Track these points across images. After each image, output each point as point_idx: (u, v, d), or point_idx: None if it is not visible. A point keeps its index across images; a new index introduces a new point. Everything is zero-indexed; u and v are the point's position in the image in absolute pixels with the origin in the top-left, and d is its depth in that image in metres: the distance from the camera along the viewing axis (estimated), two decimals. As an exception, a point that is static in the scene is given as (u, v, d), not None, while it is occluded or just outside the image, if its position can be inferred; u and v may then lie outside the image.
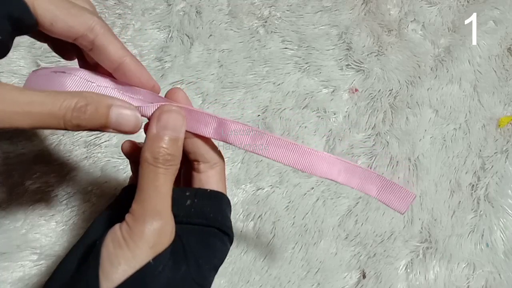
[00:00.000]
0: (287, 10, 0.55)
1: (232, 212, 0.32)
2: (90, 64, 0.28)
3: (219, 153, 0.30)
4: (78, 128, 0.24)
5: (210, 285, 0.28)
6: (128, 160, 0.33)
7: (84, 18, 0.25)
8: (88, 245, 0.27)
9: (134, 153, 0.31)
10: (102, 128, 0.25)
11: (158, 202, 0.24)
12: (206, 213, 0.28)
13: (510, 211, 0.49)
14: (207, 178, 0.29)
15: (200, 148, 0.29)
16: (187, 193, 0.28)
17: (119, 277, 0.23)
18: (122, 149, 0.31)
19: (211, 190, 0.29)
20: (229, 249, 0.30)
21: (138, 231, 0.24)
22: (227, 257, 0.46)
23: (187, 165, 0.30)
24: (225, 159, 0.31)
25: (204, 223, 0.28)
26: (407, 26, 0.55)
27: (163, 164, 0.25)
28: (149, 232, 0.24)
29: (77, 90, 0.26)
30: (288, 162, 0.27)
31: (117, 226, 0.25)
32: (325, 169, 0.28)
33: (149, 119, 0.27)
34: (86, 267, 0.24)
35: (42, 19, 0.23)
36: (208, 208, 0.28)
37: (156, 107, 0.27)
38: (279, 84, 0.52)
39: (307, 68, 0.53)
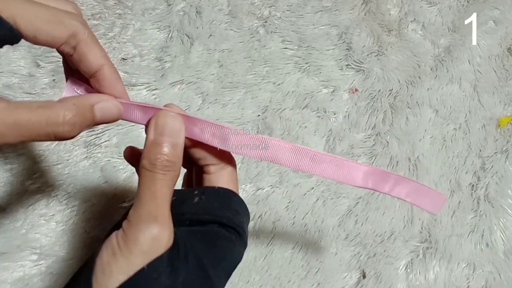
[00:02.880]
0: (287, 10, 0.55)
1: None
2: (73, 69, 0.28)
3: (229, 155, 0.29)
4: (70, 138, 0.24)
5: None
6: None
7: (67, 24, 0.24)
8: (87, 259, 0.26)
9: (135, 159, 0.30)
10: (90, 127, 0.25)
11: (154, 207, 0.24)
12: (213, 209, 0.27)
13: (510, 211, 0.49)
14: (217, 178, 0.29)
15: (208, 152, 0.28)
16: (195, 192, 0.28)
17: (112, 285, 0.22)
18: (124, 156, 0.31)
19: (219, 187, 0.28)
20: (240, 250, 0.28)
21: (133, 237, 0.23)
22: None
23: (198, 169, 0.30)
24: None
25: (211, 220, 0.27)
26: (407, 26, 0.55)
27: (161, 169, 0.24)
28: (144, 238, 0.23)
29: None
30: (322, 174, 0.27)
31: (114, 233, 0.24)
32: (360, 179, 0.28)
33: (146, 126, 0.26)
34: (80, 277, 0.23)
35: (25, 32, 0.23)
36: (215, 204, 0.27)
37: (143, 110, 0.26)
38: (279, 84, 0.52)
39: (307, 68, 0.53)
